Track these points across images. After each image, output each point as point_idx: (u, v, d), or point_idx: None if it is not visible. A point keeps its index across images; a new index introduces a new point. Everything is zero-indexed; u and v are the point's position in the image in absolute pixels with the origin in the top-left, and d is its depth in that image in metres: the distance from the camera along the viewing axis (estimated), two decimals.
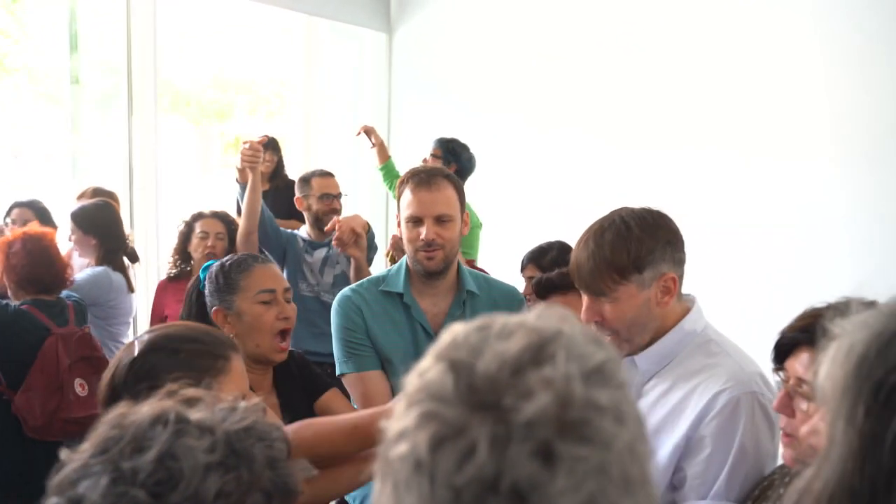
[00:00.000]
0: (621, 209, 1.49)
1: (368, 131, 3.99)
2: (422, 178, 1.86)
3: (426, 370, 0.54)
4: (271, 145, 4.48)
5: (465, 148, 3.79)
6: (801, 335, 1.14)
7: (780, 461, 1.31)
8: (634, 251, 1.40)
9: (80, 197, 3.61)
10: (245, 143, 2.81)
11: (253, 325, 1.73)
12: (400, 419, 0.52)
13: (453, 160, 3.73)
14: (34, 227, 2.79)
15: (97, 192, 3.68)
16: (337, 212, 3.26)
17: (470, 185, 3.94)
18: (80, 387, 2.55)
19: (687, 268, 1.52)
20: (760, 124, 3.89)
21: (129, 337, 3.36)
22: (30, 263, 2.62)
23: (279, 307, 1.77)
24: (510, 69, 5.14)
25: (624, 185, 4.21)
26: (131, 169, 4.65)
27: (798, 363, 1.13)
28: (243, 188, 2.89)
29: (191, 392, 0.84)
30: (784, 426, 1.16)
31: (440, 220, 1.84)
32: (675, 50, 4.21)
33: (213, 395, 0.85)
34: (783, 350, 1.17)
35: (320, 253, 3.25)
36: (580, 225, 1.58)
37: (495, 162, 4.89)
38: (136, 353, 1.22)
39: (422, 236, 1.84)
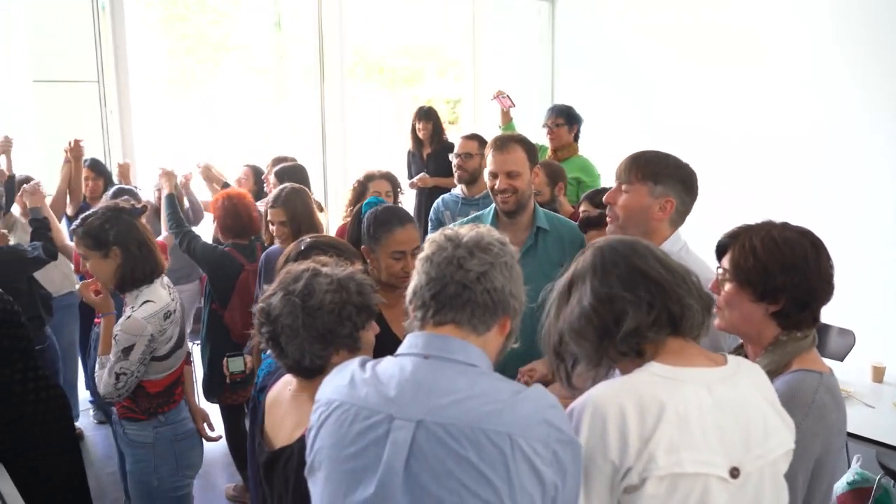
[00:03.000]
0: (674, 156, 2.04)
1: (499, 95, 4.57)
2: (498, 144, 2.44)
3: (436, 238, 1.29)
4: (424, 114, 4.97)
5: (573, 108, 4.31)
6: (727, 240, 1.56)
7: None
8: (660, 170, 1.95)
9: (269, 165, 4.22)
10: None
11: (384, 269, 2.26)
12: (426, 248, 1.29)
13: (574, 122, 4.27)
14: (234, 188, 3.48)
15: (277, 160, 4.22)
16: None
17: (598, 141, 4.42)
18: None
19: None
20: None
21: None
22: (226, 216, 3.37)
23: (405, 262, 2.24)
24: (671, 39, 5.23)
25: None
26: (324, 131, 5.37)
27: (725, 259, 1.55)
28: None
29: (323, 259, 1.60)
30: (717, 302, 1.54)
31: (510, 175, 2.39)
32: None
33: (337, 261, 1.60)
34: (720, 250, 1.58)
35: (475, 212, 3.63)
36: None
37: (644, 127, 5.14)
38: (302, 247, 1.95)
39: (496, 186, 2.39)
